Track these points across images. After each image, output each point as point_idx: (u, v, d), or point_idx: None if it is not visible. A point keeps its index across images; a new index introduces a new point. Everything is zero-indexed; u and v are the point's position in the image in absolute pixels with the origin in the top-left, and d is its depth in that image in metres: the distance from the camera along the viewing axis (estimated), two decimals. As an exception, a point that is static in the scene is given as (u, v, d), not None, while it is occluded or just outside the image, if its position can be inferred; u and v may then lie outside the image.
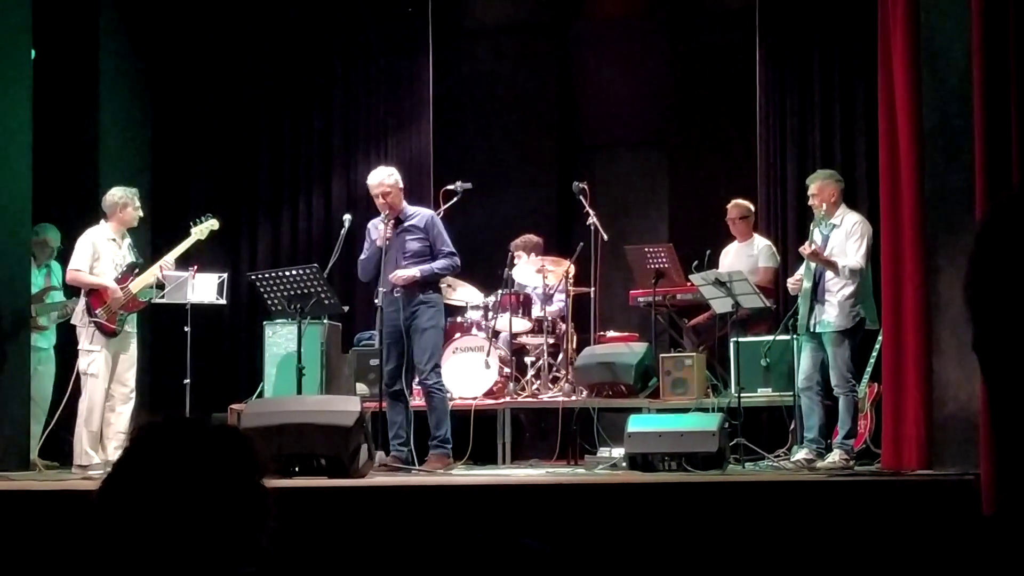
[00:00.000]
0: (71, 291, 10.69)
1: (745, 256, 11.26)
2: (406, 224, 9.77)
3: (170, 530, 2.19)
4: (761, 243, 11.45)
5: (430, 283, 9.82)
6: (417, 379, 9.78)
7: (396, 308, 9.61)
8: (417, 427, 9.82)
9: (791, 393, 10.12)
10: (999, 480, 6.27)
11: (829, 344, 9.43)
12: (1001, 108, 6.47)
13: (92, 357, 9.91)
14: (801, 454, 9.53)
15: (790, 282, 10.04)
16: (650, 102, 14.06)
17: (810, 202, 9.76)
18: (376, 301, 9.63)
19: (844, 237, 9.56)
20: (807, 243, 9.66)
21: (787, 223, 12.26)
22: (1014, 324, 1.24)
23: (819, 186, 9.73)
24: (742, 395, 9.93)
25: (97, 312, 9.92)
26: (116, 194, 10.25)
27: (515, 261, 11.90)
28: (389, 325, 9.61)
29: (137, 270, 10.18)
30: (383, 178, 9.80)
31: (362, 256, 9.79)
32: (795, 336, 10.28)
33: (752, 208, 11.60)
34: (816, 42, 12.50)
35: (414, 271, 9.65)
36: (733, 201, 11.53)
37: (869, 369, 9.60)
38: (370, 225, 9.86)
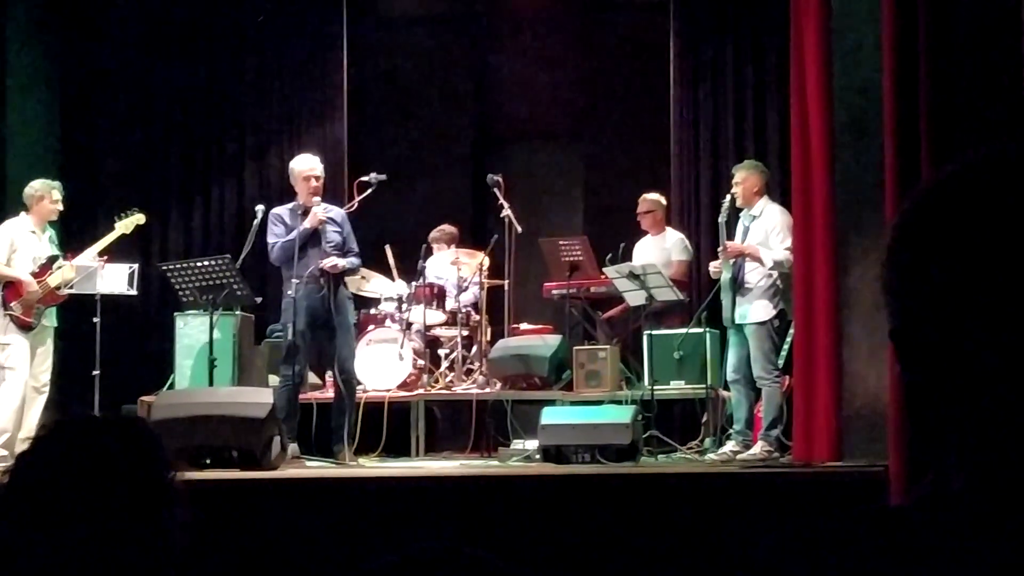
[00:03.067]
0: None
1: (659, 249, 11.31)
2: (326, 215, 9.79)
3: (76, 527, 2.16)
4: (674, 236, 11.50)
5: (343, 277, 9.88)
6: (340, 373, 9.71)
7: (321, 297, 9.60)
8: (307, 418, 9.80)
9: (704, 386, 10.18)
10: (908, 471, 6.35)
11: (751, 336, 9.47)
12: (911, 106, 6.54)
13: (8, 351, 9.76)
14: (728, 446, 9.57)
15: (712, 265, 10.03)
16: (565, 95, 14.10)
17: (733, 190, 9.78)
18: (289, 293, 9.53)
19: (766, 229, 9.59)
20: (727, 243, 9.66)
21: (700, 216, 12.34)
22: (932, 312, 1.25)
23: (744, 175, 9.75)
24: (655, 388, 9.98)
25: (12, 305, 9.78)
26: (35, 186, 10.15)
27: (432, 252, 11.91)
28: (310, 315, 9.55)
29: (57, 263, 10.05)
30: (318, 164, 9.92)
31: (284, 240, 9.63)
32: (708, 329, 10.34)
33: (663, 202, 11.64)
34: (730, 36, 12.60)
35: (344, 262, 9.74)
36: (643, 196, 11.56)
37: (781, 362, 9.68)
38: (280, 212, 9.77)
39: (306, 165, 9.89)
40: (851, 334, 7.92)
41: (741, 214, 9.78)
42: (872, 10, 7.36)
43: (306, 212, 9.69)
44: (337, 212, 9.94)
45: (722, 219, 9.73)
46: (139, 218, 10.71)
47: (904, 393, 1.29)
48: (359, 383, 10.38)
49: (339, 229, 9.82)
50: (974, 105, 6.32)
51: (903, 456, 6.43)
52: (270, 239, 9.68)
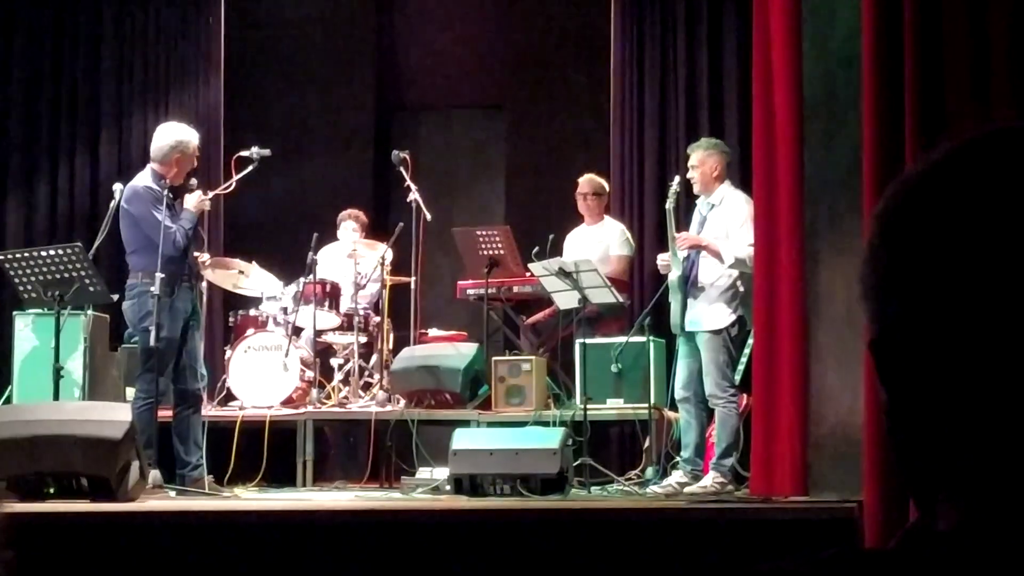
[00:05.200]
0: None
1: (595, 242, 11.33)
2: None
3: None
4: (614, 227, 11.52)
5: None
6: (193, 384, 9.71)
7: (190, 299, 9.73)
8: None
9: (646, 405, 10.21)
10: (886, 508, 6.40)
11: (703, 346, 9.50)
12: (894, 77, 6.58)
13: None
14: (674, 477, 9.60)
15: (660, 258, 10.02)
16: (485, 57, 14.10)
17: (689, 173, 9.77)
18: (153, 289, 9.46)
19: (726, 220, 9.57)
20: (679, 233, 9.63)
21: (644, 203, 12.38)
22: (919, 319, 1.25)
23: (702, 156, 9.72)
24: (589, 407, 9.99)
25: None
26: None
27: (337, 236, 11.96)
28: (181, 319, 9.57)
29: None
30: None
31: (188, 226, 9.65)
32: (652, 338, 10.37)
33: (606, 187, 11.68)
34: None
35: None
36: (587, 175, 11.58)
37: (738, 377, 9.70)
38: (154, 189, 9.68)
39: (196, 139, 9.93)
40: (820, 345, 7.96)
41: (698, 202, 9.80)
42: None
43: (174, 193, 9.69)
44: None
45: (670, 205, 9.71)
46: None
47: (884, 415, 1.29)
48: (237, 399, 10.42)
49: None
50: (971, 75, 6.38)
51: (880, 490, 6.48)
52: (164, 220, 9.51)
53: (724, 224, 9.56)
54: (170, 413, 9.76)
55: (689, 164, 9.81)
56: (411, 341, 11.61)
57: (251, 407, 10.88)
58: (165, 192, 9.58)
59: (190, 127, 10.16)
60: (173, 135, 9.88)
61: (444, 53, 14.11)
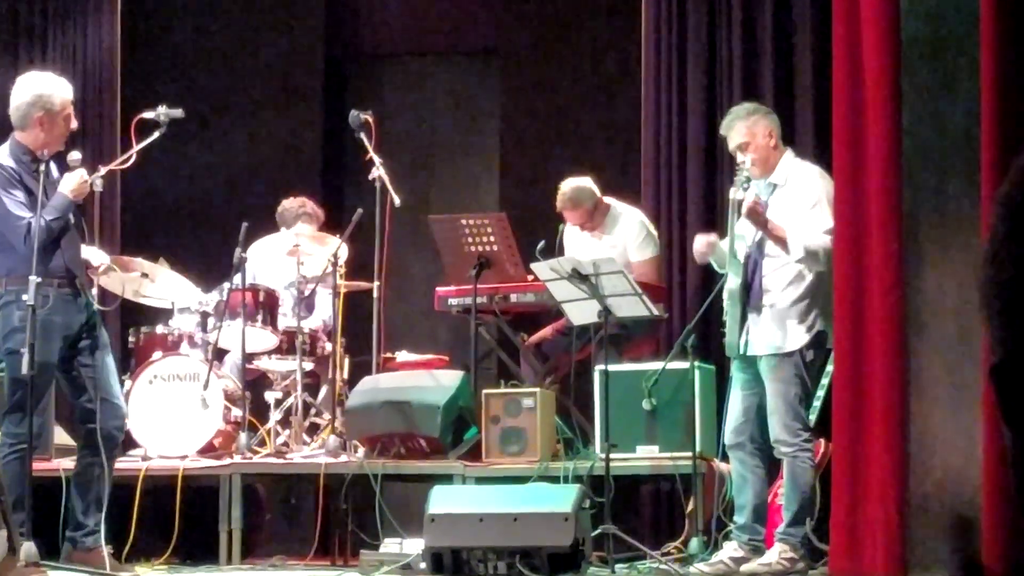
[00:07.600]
0: None
1: (607, 247, 11.26)
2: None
3: None
4: (628, 222, 11.47)
5: None
6: (111, 420, 9.70)
7: (78, 309, 9.66)
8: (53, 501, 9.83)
9: (689, 454, 10.22)
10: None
11: (767, 375, 9.44)
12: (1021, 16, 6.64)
13: None
14: (727, 551, 9.60)
15: (699, 242, 9.83)
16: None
17: (738, 158, 9.58)
18: (25, 298, 9.50)
19: (794, 202, 9.46)
20: (738, 192, 9.48)
21: (687, 183, 12.35)
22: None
23: (747, 128, 9.65)
24: (612, 457, 10.01)
25: None
26: None
27: (282, 228, 12.00)
28: (64, 338, 9.58)
29: None
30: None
31: (52, 216, 9.58)
32: (697, 363, 10.39)
33: (593, 189, 11.58)
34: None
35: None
36: (563, 186, 11.52)
37: (813, 417, 9.71)
38: (7, 164, 9.70)
39: (68, 92, 9.84)
40: (923, 373, 8.01)
41: (753, 184, 9.71)
42: None
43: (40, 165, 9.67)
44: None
45: (734, 195, 9.52)
46: None
47: (1009, 465, 1.36)
48: (139, 446, 10.46)
49: None
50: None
51: (1006, 563, 6.54)
52: (13, 208, 9.53)
53: (792, 208, 9.45)
54: (47, 465, 9.79)
55: (733, 145, 9.63)
56: (374, 369, 11.61)
57: (158, 457, 10.91)
58: (40, 167, 9.56)
59: (61, 77, 10.05)
60: (31, 88, 9.78)
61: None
